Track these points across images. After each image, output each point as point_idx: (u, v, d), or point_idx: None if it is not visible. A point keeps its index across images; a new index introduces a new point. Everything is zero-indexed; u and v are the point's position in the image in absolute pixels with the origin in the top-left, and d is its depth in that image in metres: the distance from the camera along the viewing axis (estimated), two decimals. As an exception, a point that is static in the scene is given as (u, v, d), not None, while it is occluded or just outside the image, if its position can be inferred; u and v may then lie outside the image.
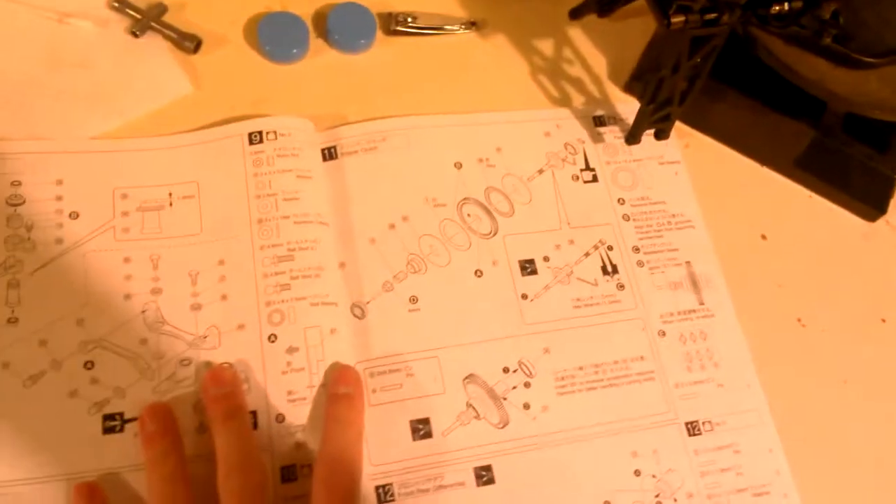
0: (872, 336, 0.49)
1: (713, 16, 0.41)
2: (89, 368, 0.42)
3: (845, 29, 0.42)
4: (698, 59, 0.44)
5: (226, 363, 0.42)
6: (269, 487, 0.38)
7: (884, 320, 0.50)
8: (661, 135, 0.51)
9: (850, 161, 0.50)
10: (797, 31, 0.43)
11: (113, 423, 0.41)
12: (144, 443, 0.39)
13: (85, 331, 0.42)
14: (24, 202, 0.45)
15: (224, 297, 0.43)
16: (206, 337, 0.42)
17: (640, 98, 0.47)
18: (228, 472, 0.38)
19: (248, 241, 0.44)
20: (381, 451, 0.42)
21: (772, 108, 0.49)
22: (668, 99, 0.47)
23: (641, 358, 0.47)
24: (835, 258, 0.51)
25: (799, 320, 0.49)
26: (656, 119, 0.49)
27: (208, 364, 0.42)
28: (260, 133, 0.47)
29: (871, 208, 0.51)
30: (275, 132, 0.47)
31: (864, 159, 0.50)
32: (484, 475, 0.43)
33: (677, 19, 0.41)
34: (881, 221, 0.52)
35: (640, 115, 0.48)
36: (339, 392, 0.41)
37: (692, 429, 0.45)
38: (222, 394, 0.40)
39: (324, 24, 0.53)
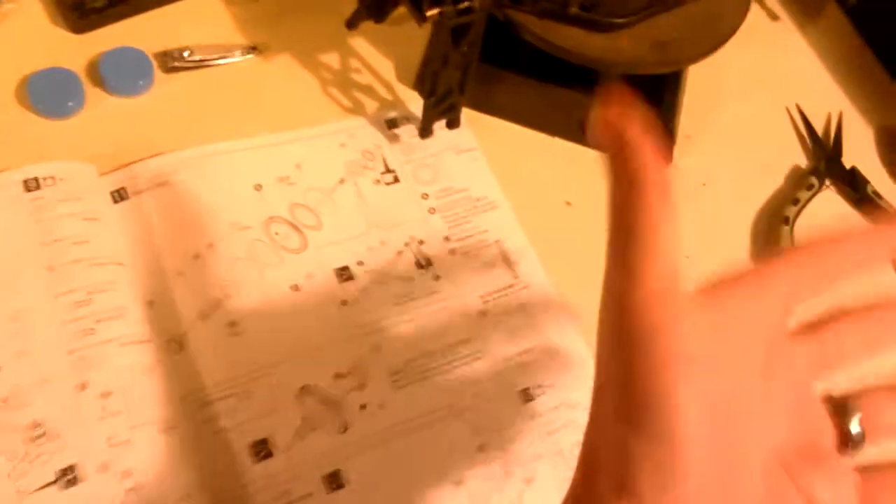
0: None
1: (466, 4, 0.45)
2: None
3: (590, -2, 0.47)
4: (465, 48, 0.48)
5: None
6: None
7: (687, 257, 0.54)
8: (452, 124, 0.54)
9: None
10: (546, 6, 0.47)
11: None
12: None
13: None
14: None
15: (21, 354, 0.42)
16: (7, 399, 0.41)
17: (421, 94, 0.50)
18: None
19: (41, 291, 0.43)
20: (223, 480, 0.42)
21: (548, 82, 0.53)
22: (449, 90, 0.50)
23: (467, 341, 0.49)
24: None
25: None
26: (442, 110, 0.52)
27: (15, 428, 0.40)
28: (36, 179, 0.46)
29: (658, 160, 0.56)
30: (53, 177, 0.46)
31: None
32: (333, 481, 0.43)
33: (431, 12, 0.44)
34: (671, 169, 0.57)
35: (426, 109, 0.51)
36: None
37: (527, 396, 0.48)
38: None
39: (97, 72, 0.53)
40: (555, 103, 0.55)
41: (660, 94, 0.55)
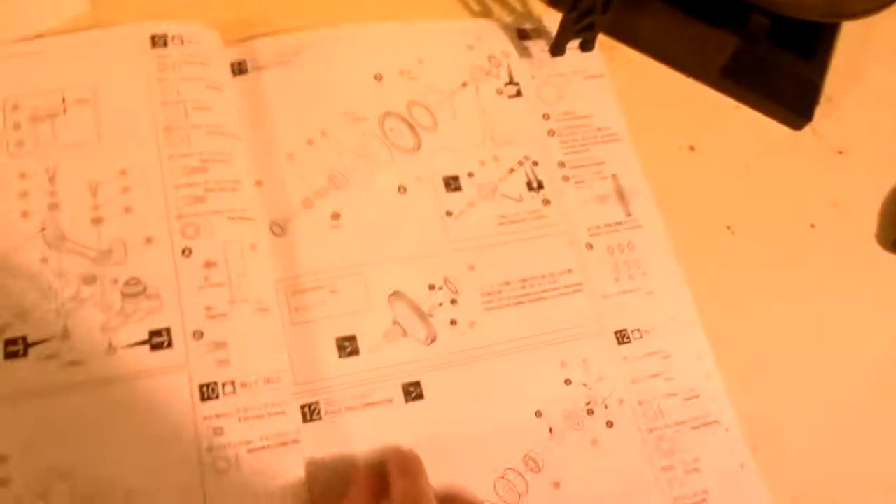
0: (800, 242, 0.52)
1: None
2: (-12, 292, 0.40)
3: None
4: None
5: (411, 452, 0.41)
6: None
7: (813, 225, 0.52)
8: (586, 45, 0.52)
9: (774, 69, 0.52)
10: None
11: (15, 348, 0.40)
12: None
13: (-22, 259, 0.41)
14: None
15: (128, 210, 0.42)
16: (111, 251, 0.41)
17: (560, 7, 0.48)
18: None
19: (154, 150, 0.43)
20: (306, 369, 0.42)
21: (695, 16, 0.51)
22: (591, 7, 0.48)
23: (569, 271, 0.48)
24: (763, 167, 0.53)
25: (728, 227, 0.51)
26: (580, 28, 0.50)
27: (115, 281, 0.41)
28: (164, 36, 0.45)
29: (797, 115, 0.53)
30: (181, 38, 0.46)
31: (790, 66, 0.52)
32: (412, 391, 0.43)
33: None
34: (807, 130, 0.54)
35: (563, 24, 0.49)
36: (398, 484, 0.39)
37: (621, 337, 0.47)
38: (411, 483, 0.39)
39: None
40: (697, 40, 0.52)
41: (811, 46, 0.52)
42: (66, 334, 0.40)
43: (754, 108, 0.54)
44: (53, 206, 0.42)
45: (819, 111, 0.54)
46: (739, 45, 0.51)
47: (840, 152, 0.54)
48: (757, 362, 0.48)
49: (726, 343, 0.48)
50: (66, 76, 0.44)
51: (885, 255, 0.52)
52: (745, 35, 0.51)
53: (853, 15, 0.47)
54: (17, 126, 0.43)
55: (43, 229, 0.41)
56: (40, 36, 0.46)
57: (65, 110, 0.43)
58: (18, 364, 0.39)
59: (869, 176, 0.54)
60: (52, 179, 0.42)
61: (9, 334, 0.40)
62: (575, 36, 0.51)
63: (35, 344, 0.40)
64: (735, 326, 0.49)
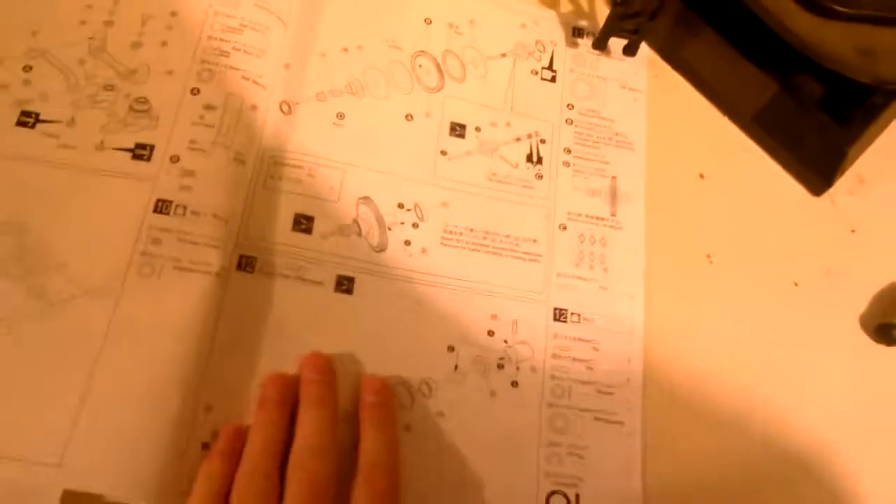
0: (781, 296, 0.51)
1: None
2: (27, 71, 0.47)
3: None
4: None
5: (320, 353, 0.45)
6: (335, 481, 0.40)
7: (796, 284, 0.52)
8: (629, 49, 0.55)
9: (807, 126, 0.52)
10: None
11: (27, 119, 0.45)
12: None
13: (36, 41, 0.47)
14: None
15: (164, 44, 0.48)
16: (135, 72, 0.47)
17: (612, 4, 0.51)
18: (301, 453, 0.40)
19: (205, 2, 0.49)
20: (258, 228, 0.46)
21: (743, 54, 0.52)
22: (641, 11, 0.51)
23: (534, 241, 0.50)
24: (768, 216, 0.53)
25: (708, 256, 0.51)
26: (625, 29, 0.52)
27: (128, 95, 0.46)
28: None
29: (818, 178, 0.53)
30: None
31: (822, 127, 0.52)
32: (344, 284, 0.46)
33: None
34: (826, 198, 0.54)
35: (609, 18, 0.52)
36: (369, 400, 0.43)
37: (559, 315, 0.48)
38: (318, 380, 0.43)
39: None
40: (740, 78, 0.53)
41: (850, 114, 0.52)
42: (72, 122, 0.46)
43: (778, 162, 0.54)
44: (108, 24, 0.48)
45: (846, 185, 0.54)
46: (779, 94, 0.52)
47: (853, 231, 0.54)
48: (684, 388, 0.48)
49: (662, 359, 0.48)
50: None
51: (863, 338, 0.51)
52: (786, 85, 0.52)
53: (886, 82, 0.48)
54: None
55: (91, 38, 0.48)
56: None
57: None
58: (24, 133, 0.45)
59: (874, 260, 0.53)
60: (116, 2, 0.49)
61: (27, 108, 0.46)
62: (620, 35, 0.54)
63: (44, 122, 0.45)
64: (678, 349, 0.49)
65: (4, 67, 0.47)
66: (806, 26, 0.48)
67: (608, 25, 0.53)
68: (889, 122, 0.54)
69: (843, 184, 0.54)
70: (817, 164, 0.53)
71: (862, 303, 0.52)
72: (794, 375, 0.49)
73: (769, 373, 0.49)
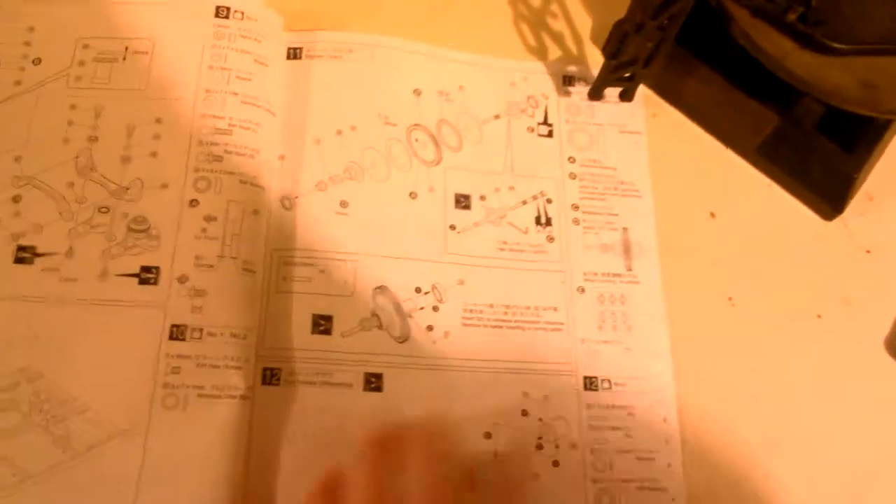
0: (803, 330, 0.51)
1: (680, -24, 0.44)
2: (16, 202, 0.45)
3: (819, 13, 0.45)
4: (664, 21, 0.47)
5: None
6: None
7: (819, 316, 0.51)
8: (626, 95, 0.54)
9: (813, 156, 0.52)
10: (764, 4, 0.45)
11: (24, 255, 0.44)
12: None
13: (20, 167, 0.46)
14: (-7, 45, 0.48)
15: (154, 154, 0.46)
16: (129, 188, 0.45)
17: (603, 53, 0.50)
18: None
19: (190, 107, 0.47)
20: (277, 336, 0.45)
21: (742, 89, 0.51)
22: (634, 60, 0.50)
23: (555, 309, 0.49)
24: (783, 248, 0.53)
25: (730, 299, 0.51)
26: (620, 77, 0.51)
27: (125, 215, 0.45)
28: (228, 9, 0.50)
29: (829, 206, 0.53)
30: (242, 13, 0.50)
31: (828, 156, 0.51)
32: (373, 382, 0.45)
33: (640, -26, 0.44)
34: (838, 222, 0.54)
35: (604, 70, 0.51)
36: None
37: (589, 384, 0.47)
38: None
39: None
40: (740, 112, 0.52)
41: (855, 140, 0.52)
42: (70, 253, 0.44)
43: (787, 189, 0.54)
44: (92, 139, 0.46)
45: (856, 207, 0.54)
46: (781, 124, 0.51)
47: (868, 251, 0.53)
48: (724, 442, 0.47)
49: (697, 414, 0.47)
50: (134, 28, 0.49)
51: (891, 363, 0.50)
52: (790, 116, 0.51)
53: (891, 112, 0.47)
54: (81, 63, 0.48)
55: (77, 157, 0.46)
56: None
57: (125, 58, 0.48)
58: (24, 270, 0.43)
59: (892, 281, 0.53)
60: (97, 115, 0.47)
61: (23, 242, 0.44)
62: (615, 84, 0.53)
63: (43, 255, 0.44)
64: (711, 400, 0.48)
65: (-9, 201, 0.45)
66: (806, 65, 0.47)
67: (602, 77, 0.52)
68: (891, 139, 0.53)
69: (853, 205, 0.53)
70: (826, 192, 0.53)
71: (885, 325, 0.52)
72: (829, 409, 0.49)
73: (803, 410, 0.49)
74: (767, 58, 0.47)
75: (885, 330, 0.51)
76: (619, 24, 0.48)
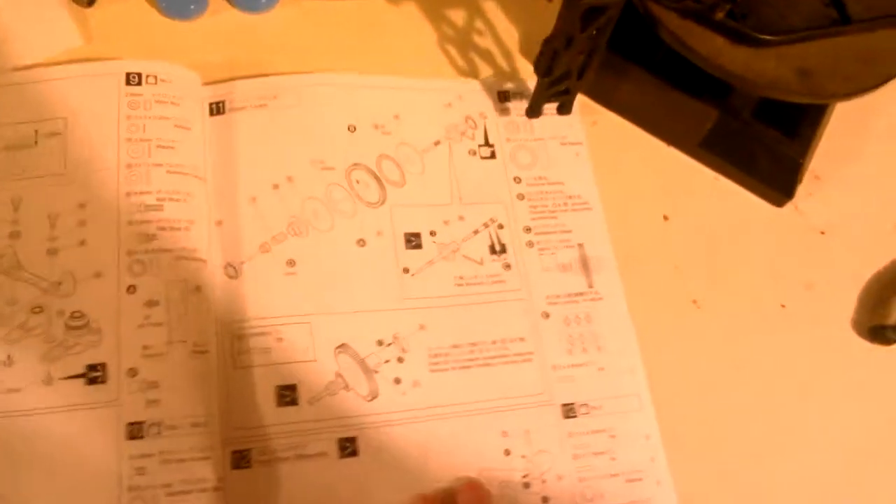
0: (771, 322, 0.51)
1: (605, -13, 0.43)
2: (-59, 314, 0.42)
3: (745, 6, 0.44)
4: (593, 33, 0.45)
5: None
6: None
7: (784, 306, 0.51)
8: (563, 109, 0.52)
9: (756, 144, 0.52)
10: (691, 5, 0.44)
11: (-39, 371, 0.41)
12: None
13: (-62, 273, 0.43)
14: None
15: (83, 243, 0.43)
16: (60, 283, 0.43)
17: (536, 71, 0.48)
18: None
19: (113, 186, 0.44)
20: (242, 415, 0.43)
21: (677, 87, 0.51)
22: (567, 73, 0.48)
23: (521, 339, 0.48)
24: (738, 241, 0.52)
25: (694, 302, 0.50)
26: (555, 93, 0.50)
27: (61, 313, 0.42)
28: (139, 75, 0.47)
29: (778, 193, 0.53)
30: (155, 77, 0.47)
31: (772, 143, 0.51)
32: (347, 447, 0.43)
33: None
34: (789, 207, 0.53)
35: (538, 88, 0.50)
36: None
37: (567, 411, 0.46)
38: None
39: (225, -21, 0.54)
40: (678, 110, 0.52)
41: (796, 123, 0.51)
42: (9, 361, 0.41)
43: (734, 181, 0.53)
44: (14, 235, 0.44)
45: (805, 189, 0.54)
46: (721, 117, 0.51)
47: (822, 232, 0.53)
48: (708, 449, 0.47)
49: (678, 425, 0.47)
50: (42, 109, 0.46)
51: (860, 343, 0.51)
52: (727, 107, 0.51)
53: (833, 96, 0.47)
54: (-10, 154, 0.45)
55: (1, 256, 0.43)
56: (27, 68, 0.48)
57: (36, 142, 0.45)
58: (-37, 387, 0.41)
59: (850, 259, 0.53)
60: (16, 208, 0.44)
61: (-45, 357, 0.41)
62: (551, 100, 0.51)
63: (-20, 369, 0.41)
64: (690, 408, 0.48)
65: (-87, 318, 0.42)
66: (741, 61, 0.46)
67: (537, 94, 0.50)
68: (830, 118, 0.53)
69: (801, 187, 0.53)
70: (774, 178, 0.52)
71: (849, 306, 0.52)
72: (807, 396, 0.49)
73: (782, 402, 0.49)
74: (700, 58, 0.46)
75: (850, 310, 0.52)
76: (548, 42, 0.46)
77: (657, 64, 0.51)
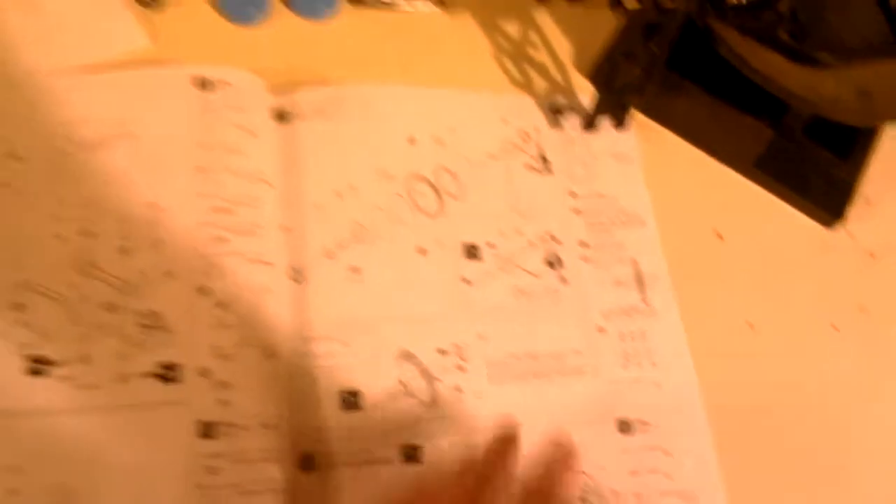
0: (821, 344, 0.51)
1: (668, 3, 0.44)
2: (19, 310, 0.42)
3: (805, 25, 0.45)
4: (654, 48, 0.46)
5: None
6: None
7: (836, 328, 0.52)
8: (619, 123, 0.53)
9: (809, 165, 0.53)
10: (753, 24, 0.45)
11: (38, 367, 0.41)
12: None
13: (18, 273, 0.43)
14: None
15: (155, 244, 0.44)
16: (133, 283, 0.43)
17: (596, 84, 0.49)
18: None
19: (185, 188, 0.45)
20: (308, 418, 0.43)
21: (733, 105, 0.51)
22: (626, 87, 0.49)
23: (578, 352, 0.48)
24: (790, 262, 0.53)
25: (748, 322, 0.51)
26: (614, 106, 0.51)
27: (135, 312, 0.43)
28: (209, 80, 0.48)
29: (829, 214, 0.54)
30: (224, 82, 0.48)
31: (825, 165, 0.52)
32: (411, 453, 0.44)
33: (631, 3, 0.43)
34: (840, 229, 0.54)
35: (598, 102, 0.51)
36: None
37: (624, 427, 0.47)
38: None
39: (288, -12, 0.54)
40: (733, 128, 0.53)
41: (848, 146, 0.52)
42: (85, 359, 0.42)
43: (786, 201, 0.54)
44: (89, 235, 0.44)
45: (855, 212, 0.54)
46: (775, 137, 0.52)
47: (872, 255, 0.54)
48: (762, 468, 0.48)
49: (732, 444, 0.48)
50: (116, 112, 0.47)
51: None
52: (780, 129, 0.52)
53: (884, 117, 0.48)
54: (65, 153, 0.45)
55: (74, 254, 0.43)
56: (101, 71, 0.49)
57: (109, 144, 0.46)
58: (40, 382, 0.41)
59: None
60: (89, 209, 0.45)
61: (35, 352, 0.41)
62: (609, 113, 0.52)
63: (57, 364, 0.41)
64: (743, 427, 0.48)
65: (-10, 314, 0.42)
66: (801, 80, 0.47)
67: (596, 107, 0.51)
68: (881, 142, 0.54)
69: (852, 210, 0.54)
70: (826, 200, 0.53)
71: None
72: (863, 418, 0.50)
73: (834, 423, 0.50)
74: (760, 76, 0.47)
75: (901, 333, 0.53)
76: (610, 55, 0.47)
77: (712, 81, 0.52)
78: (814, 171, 0.53)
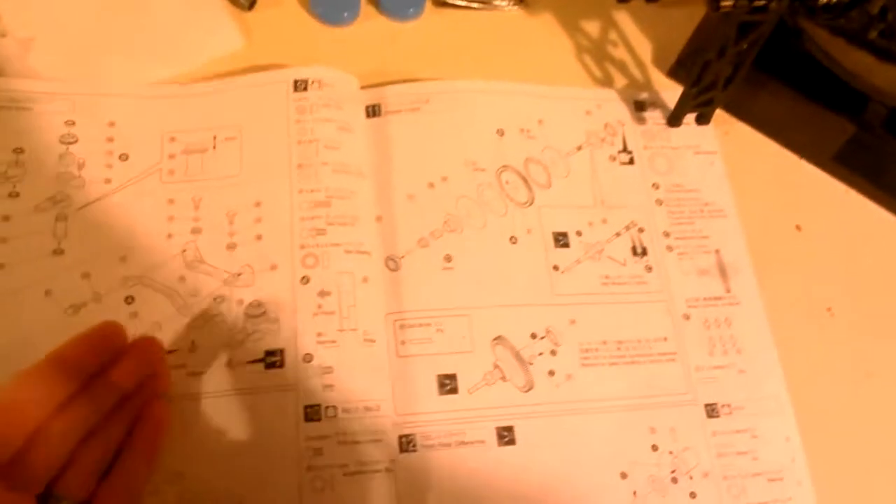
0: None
1: (762, 2, 0.44)
2: (129, 303, 0.44)
3: (894, 25, 0.44)
4: (744, 46, 0.46)
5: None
6: None
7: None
8: (702, 119, 0.53)
9: (890, 160, 0.52)
10: (844, 24, 0.45)
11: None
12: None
13: (127, 267, 0.45)
14: (76, 141, 0.48)
15: (259, 238, 0.46)
16: (240, 275, 0.45)
17: (684, 80, 0.49)
18: None
19: (286, 185, 0.47)
20: (407, 402, 0.44)
21: (813, 100, 0.51)
22: (712, 83, 0.49)
23: (664, 339, 0.49)
24: (869, 253, 0.53)
25: (828, 309, 0.51)
26: (699, 103, 0.51)
27: (240, 302, 0.44)
28: (305, 81, 0.49)
29: (907, 206, 0.53)
30: (319, 82, 0.49)
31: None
32: (505, 435, 0.45)
33: (726, 3, 0.43)
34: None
35: (684, 97, 0.51)
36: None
37: (711, 411, 0.47)
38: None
39: (376, -10, 0.56)
40: (814, 124, 0.53)
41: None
42: (193, 347, 0.43)
43: (865, 195, 0.54)
44: (195, 231, 0.46)
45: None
46: (855, 132, 0.52)
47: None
48: (846, 452, 0.48)
49: (816, 426, 0.48)
50: (219, 116, 0.49)
51: None
52: (861, 123, 0.51)
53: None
54: (171, 157, 0.47)
55: (184, 251, 0.45)
56: (201, 72, 0.51)
57: (214, 146, 0.48)
58: (151, 370, 0.43)
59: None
60: (196, 206, 0.46)
61: (146, 340, 0.43)
62: (693, 110, 0.52)
63: (167, 353, 0.43)
64: (827, 411, 0.48)
65: (104, 304, 0.44)
66: (890, 78, 0.47)
67: (682, 103, 0.51)
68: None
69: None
70: (905, 194, 0.53)
71: None
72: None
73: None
74: (849, 74, 0.47)
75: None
76: (700, 52, 0.47)
77: (793, 76, 0.52)
78: (893, 165, 0.53)
